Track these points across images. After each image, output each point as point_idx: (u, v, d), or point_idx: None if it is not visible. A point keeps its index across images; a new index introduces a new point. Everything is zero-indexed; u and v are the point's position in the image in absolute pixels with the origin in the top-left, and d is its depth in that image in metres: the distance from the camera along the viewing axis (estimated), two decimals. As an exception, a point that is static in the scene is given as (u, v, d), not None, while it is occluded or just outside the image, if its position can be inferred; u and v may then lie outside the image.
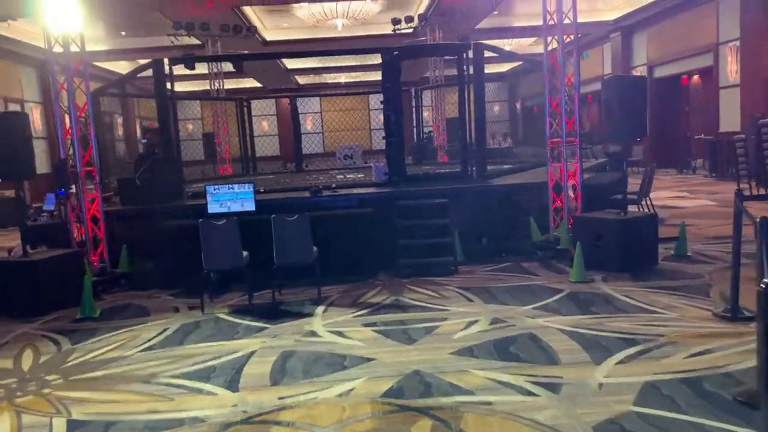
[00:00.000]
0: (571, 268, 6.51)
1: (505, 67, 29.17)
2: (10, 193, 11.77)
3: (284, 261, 6.10)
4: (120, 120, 28.03)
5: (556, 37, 7.46)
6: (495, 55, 9.47)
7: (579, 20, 7.36)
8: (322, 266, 6.28)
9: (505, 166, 10.69)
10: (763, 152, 11.62)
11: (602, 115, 6.61)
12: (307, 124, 33.42)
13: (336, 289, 6.55)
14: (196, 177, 13.89)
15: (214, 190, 7.11)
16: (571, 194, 7.85)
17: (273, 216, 6.03)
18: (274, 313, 5.79)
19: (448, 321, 5.19)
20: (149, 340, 5.19)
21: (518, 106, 33.47)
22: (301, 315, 5.70)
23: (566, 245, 7.16)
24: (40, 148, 18.81)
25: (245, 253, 6.16)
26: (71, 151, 7.10)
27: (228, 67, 18.48)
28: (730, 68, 15.84)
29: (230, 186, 7.20)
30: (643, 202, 9.26)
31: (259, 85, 30.36)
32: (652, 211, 9.30)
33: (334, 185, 8.45)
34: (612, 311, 5.23)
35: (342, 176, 12.38)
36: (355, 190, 8.14)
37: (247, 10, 16.85)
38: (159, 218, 7.35)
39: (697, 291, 5.69)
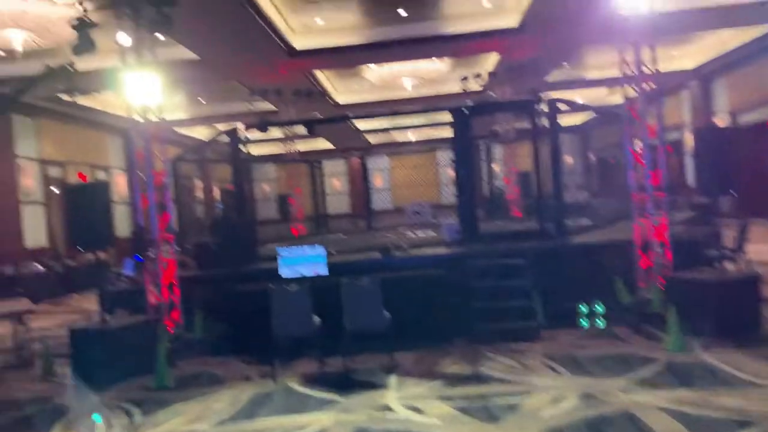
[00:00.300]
0: (666, 334, 5.98)
1: (576, 119, 28.67)
2: (93, 256, 12.28)
3: (355, 327, 5.88)
4: (199, 183, 29.15)
5: (634, 86, 7.12)
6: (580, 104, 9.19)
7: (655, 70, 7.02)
8: (395, 331, 6.02)
9: (584, 221, 10.22)
10: None
11: (694, 166, 6.16)
12: (377, 181, 33.77)
13: (409, 356, 6.26)
14: (270, 237, 14.09)
15: (286, 253, 7.07)
16: (660, 251, 7.31)
17: (343, 280, 5.86)
18: (346, 383, 5.55)
19: (533, 396, 4.79)
20: (220, 413, 5.04)
21: (592, 157, 32.67)
22: (373, 386, 5.43)
23: (658, 308, 6.61)
24: (124, 213, 19.74)
25: (316, 319, 6.00)
26: (149, 218, 7.24)
27: (301, 129, 19.01)
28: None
29: (302, 249, 7.14)
30: (740, 259, 8.56)
31: (330, 145, 31.02)
32: (750, 268, 8.57)
33: (405, 245, 8.25)
34: (718, 385, 4.69)
35: (412, 234, 12.20)
36: (427, 250, 7.91)
37: (319, 75, 17.33)
38: (232, 282, 7.33)
39: (816, 361, 5.07)
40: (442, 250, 7.92)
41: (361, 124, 27.09)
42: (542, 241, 7.90)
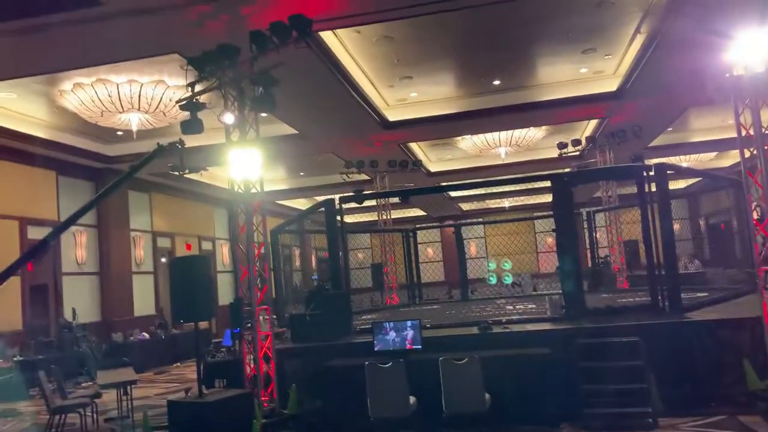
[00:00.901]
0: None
1: (681, 183, 27.30)
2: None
3: (454, 409, 5.56)
4: (297, 252, 29.93)
5: (753, 150, 6.59)
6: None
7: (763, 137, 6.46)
8: (496, 413, 5.64)
9: (699, 294, 9.42)
10: None
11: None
12: (471, 249, 33.30)
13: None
14: (365, 307, 14.02)
15: (381, 327, 6.93)
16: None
17: (441, 359, 5.60)
18: (445, 471, 5.19)
19: (656, 497, 4.25)
20: (312, 498, 4.82)
21: (702, 224, 30.76)
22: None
23: (797, 396, 5.84)
24: (227, 282, 20.45)
25: (413, 399, 5.73)
26: (248, 289, 7.34)
27: (395, 198, 19.19)
28: None
29: (397, 323, 6.98)
30: None
31: (424, 213, 31.14)
32: None
33: (504, 320, 7.87)
34: None
35: (511, 307, 11.72)
36: (529, 327, 7.49)
37: (413, 145, 17.55)
38: (326, 356, 7.23)
39: None
40: (545, 326, 7.47)
41: (455, 192, 27.05)
42: (656, 317, 7.28)
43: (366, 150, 16.14)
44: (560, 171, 10.49)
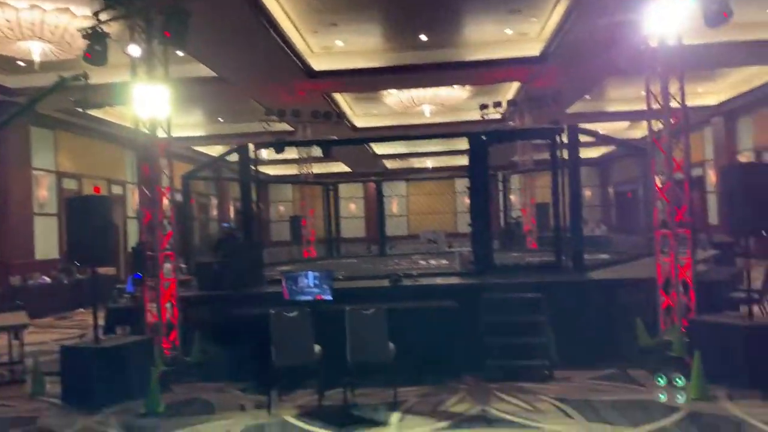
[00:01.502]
0: (688, 380, 5.60)
1: (594, 152, 28.36)
2: (104, 270, 12.11)
3: (358, 359, 5.58)
4: (215, 202, 29.17)
5: (661, 120, 6.83)
6: (591, 139, 8.90)
7: (677, 107, 6.71)
8: (400, 364, 5.71)
9: (602, 256, 9.87)
10: None
11: (722, 203, 5.80)
12: (393, 207, 33.54)
13: (414, 392, 5.92)
14: (282, 259, 13.87)
15: (292, 277, 6.83)
16: (683, 291, 6.93)
17: (348, 309, 5.57)
18: (346, 419, 5.22)
19: (543, 443, 4.44)
20: (208, 445, 4.74)
21: (611, 191, 32.25)
22: (374, 423, 5.10)
23: (680, 352, 6.21)
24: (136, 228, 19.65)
25: (318, 348, 5.70)
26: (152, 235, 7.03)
27: (318, 152, 18.90)
28: None
29: (308, 273, 6.89)
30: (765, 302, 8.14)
31: (348, 169, 30.94)
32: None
33: (415, 273, 7.95)
34: (747, 442, 4.31)
35: (425, 262, 11.90)
36: (438, 280, 7.60)
37: (338, 97, 17.25)
38: (234, 305, 7.07)
39: None
40: (454, 281, 7.60)
41: (379, 149, 27.03)
42: (559, 276, 7.55)
43: (288, 99, 15.70)
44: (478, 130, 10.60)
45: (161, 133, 7.11)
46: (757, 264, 13.21)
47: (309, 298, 6.74)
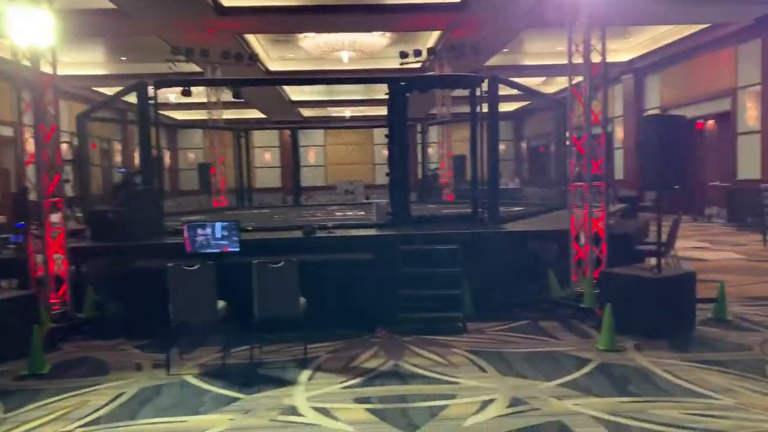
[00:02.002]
0: (598, 331, 5.66)
1: (509, 107, 28.71)
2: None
3: (266, 314, 5.24)
4: (119, 147, 27.47)
5: (584, 74, 6.71)
6: (515, 92, 8.77)
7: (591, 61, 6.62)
8: (313, 318, 5.44)
9: (516, 209, 9.90)
10: (795, 203, 10.82)
11: (638, 158, 5.79)
12: (310, 157, 32.88)
13: (326, 347, 5.67)
14: (189, 209, 13.18)
15: (194, 228, 6.35)
16: (594, 244, 7.00)
17: (254, 262, 5.19)
18: (251, 378, 4.91)
19: (457, 399, 4.30)
20: (96, 410, 4.30)
21: (524, 146, 32.97)
22: (281, 382, 4.81)
23: (590, 304, 6.29)
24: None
25: (222, 304, 5.32)
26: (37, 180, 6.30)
27: (229, 96, 17.94)
28: (750, 114, 15.19)
29: (213, 223, 6.43)
30: (669, 254, 8.43)
31: (263, 116, 29.86)
32: (678, 264, 8.46)
33: (330, 224, 7.63)
34: (655, 393, 4.35)
35: (341, 213, 11.60)
36: (353, 232, 7.31)
37: (251, 38, 16.32)
38: (131, 257, 6.52)
39: (751, 368, 4.81)
40: (370, 232, 7.34)
41: (295, 95, 26.16)
42: (475, 227, 7.44)
43: (197, 37, 14.68)
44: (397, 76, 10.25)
45: (46, 67, 6.30)
46: (663, 218, 13.80)
47: (214, 250, 6.30)
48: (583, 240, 6.74)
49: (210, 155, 16.16)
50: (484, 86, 7.71)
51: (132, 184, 7.56)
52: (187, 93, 14.39)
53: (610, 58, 16.14)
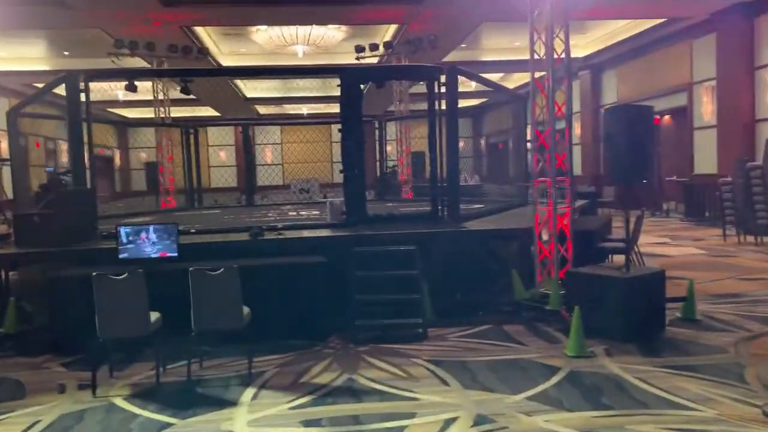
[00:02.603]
0: (565, 335, 5.33)
1: (468, 103, 28.52)
2: None
3: (205, 326, 4.74)
4: (65, 146, 26.22)
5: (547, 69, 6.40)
6: (474, 89, 8.40)
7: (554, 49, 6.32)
8: (259, 328, 4.97)
9: (476, 206, 9.54)
10: (753, 197, 10.79)
11: (606, 151, 5.46)
12: (267, 156, 32.11)
13: (273, 361, 5.18)
14: (136, 210, 12.48)
15: (128, 231, 5.80)
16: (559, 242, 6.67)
17: (191, 269, 4.67)
18: (188, 399, 4.39)
19: (416, 419, 3.88)
20: (4, 445, 3.74)
21: (483, 142, 32.86)
22: (221, 403, 4.31)
23: (556, 306, 5.96)
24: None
25: (155, 316, 4.78)
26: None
27: (184, 94, 17.12)
28: (705, 109, 15.25)
29: (149, 226, 5.90)
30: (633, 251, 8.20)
31: (216, 114, 29.01)
32: (642, 261, 8.25)
33: (280, 225, 7.13)
34: (630, 405, 4.00)
35: (295, 213, 11.10)
36: (305, 233, 6.83)
37: (201, 32, 15.63)
38: (58, 264, 5.90)
39: (728, 373, 4.53)
40: (323, 233, 6.87)
41: (250, 92, 25.44)
42: (435, 227, 7.04)
43: (143, 29, 13.97)
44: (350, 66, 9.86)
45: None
46: (616, 214, 13.67)
47: (151, 255, 5.77)
48: (546, 238, 6.42)
49: (158, 154, 15.38)
50: (443, 83, 7.29)
51: (59, 185, 6.91)
52: (131, 88, 13.65)
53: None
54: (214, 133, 29.93)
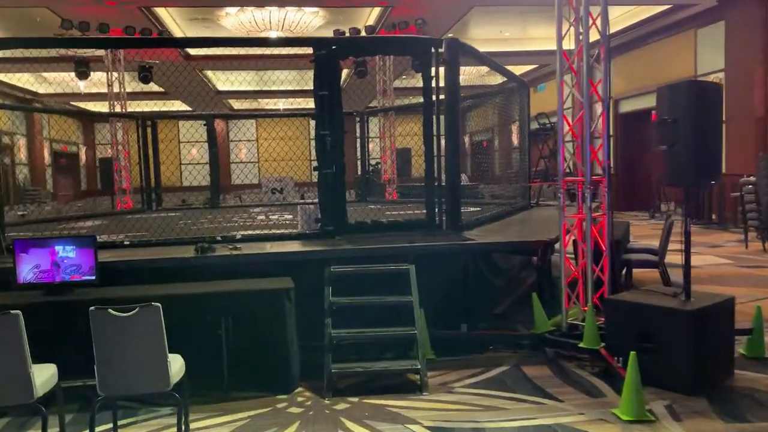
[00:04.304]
0: (609, 384, 4.01)
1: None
2: None
3: (116, 391, 3.31)
4: (23, 141, 24.43)
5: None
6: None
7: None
8: (201, 379, 3.57)
9: (472, 209, 8.12)
10: (781, 199, 9.59)
11: (665, 143, 4.12)
12: (241, 153, 30.54)
13: (222, 425, 3.77)
14: (83, 212, 11.01)
15: (28, 246, 4.37)
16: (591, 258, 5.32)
17: (91, 310, 3.23)
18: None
19: None
20: None
21: (466, 140, 31.62)
22: None
23: (593, 344, 4.59)
24: None
25: (48, 372, 3.34)
26: None
27: (147, 87, 15.53)
28: (712, 103, 14.11)
29: (59, 240, 4.49)
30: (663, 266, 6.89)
31: (188, 108, 27.40)
32: (668, 277, 6.90)
33: (238, 236, 5.69)
34: None
35: (263, 217, 9.66)
36: (269, 247, 5.39)
37: (163, 14, 14.10)
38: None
39: None
40: (291, 248, 5.43)
41: (222, 85, 23.92)
42: (433, 237, 5.61)
43: (95, 10, 12.43)
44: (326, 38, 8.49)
45: None
46: (621, 216, 12.41)
47: (58, 278, 4.33)
48: (576, 252, 5.08)
49: (113, 149, 13.81)
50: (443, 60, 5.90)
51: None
52: (83, 75, 12.14)
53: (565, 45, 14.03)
54: (186, 128, 28.31)
